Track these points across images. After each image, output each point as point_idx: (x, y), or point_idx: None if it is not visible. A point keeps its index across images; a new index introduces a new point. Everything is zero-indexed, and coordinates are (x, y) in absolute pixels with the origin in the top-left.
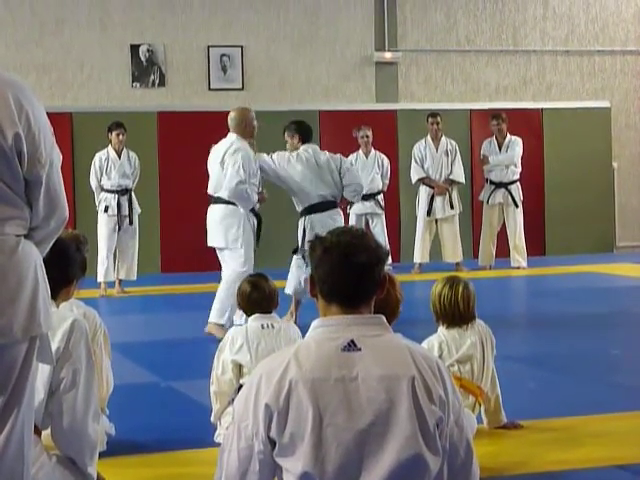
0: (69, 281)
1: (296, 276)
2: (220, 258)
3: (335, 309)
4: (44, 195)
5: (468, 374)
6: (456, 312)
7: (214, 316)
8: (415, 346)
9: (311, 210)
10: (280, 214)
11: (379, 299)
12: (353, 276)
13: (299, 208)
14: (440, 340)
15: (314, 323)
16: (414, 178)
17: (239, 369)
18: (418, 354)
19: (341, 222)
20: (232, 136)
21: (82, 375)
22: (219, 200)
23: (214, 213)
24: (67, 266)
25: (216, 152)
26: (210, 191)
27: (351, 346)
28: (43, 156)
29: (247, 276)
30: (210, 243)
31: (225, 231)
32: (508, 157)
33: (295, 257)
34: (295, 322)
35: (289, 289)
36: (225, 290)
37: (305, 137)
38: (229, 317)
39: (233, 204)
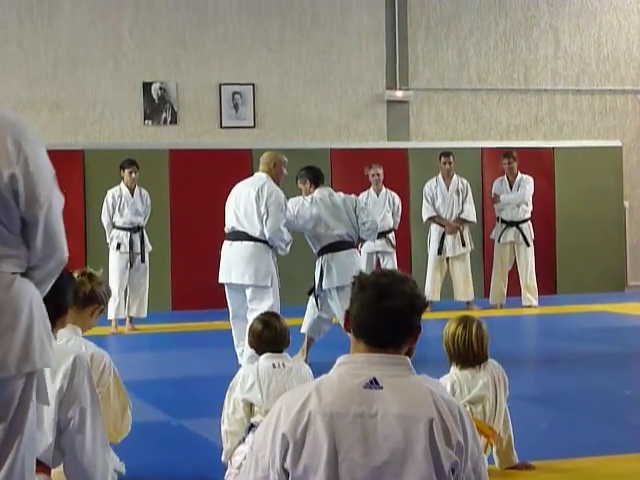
0: (63, 311)
1: (311, 315)
2: (232, 297)
3: (362, 346)
4: (42, 236)
5: (480, 415)
6: (470, 352)
7: (248, 360)
8: (438, 389)
9: (329, 249)
10: (298, 251)
11: None
12: (383, 318)
13: (316, 249)
14: (453, 380)
15: (339, 359)
16: (425, 217)
17: (250, 408)
18: (440, 397)
19: (359, 261)
20: (262, 175)
21: (89, 413)
22: (246, 236)
23: (240, 249)
24: (60, 296)
25: (245, 188)
26: (236, 227)
27: (373, 384)
28: (41, 197)
29: (259, 315)
30: (233, 280)
31: (256, 268)
32: (519, 196)
33: (311, 297)
34: (306, 361)
35: (304, 328)
36: None
37: (316, 181)
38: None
39: (262, 242)
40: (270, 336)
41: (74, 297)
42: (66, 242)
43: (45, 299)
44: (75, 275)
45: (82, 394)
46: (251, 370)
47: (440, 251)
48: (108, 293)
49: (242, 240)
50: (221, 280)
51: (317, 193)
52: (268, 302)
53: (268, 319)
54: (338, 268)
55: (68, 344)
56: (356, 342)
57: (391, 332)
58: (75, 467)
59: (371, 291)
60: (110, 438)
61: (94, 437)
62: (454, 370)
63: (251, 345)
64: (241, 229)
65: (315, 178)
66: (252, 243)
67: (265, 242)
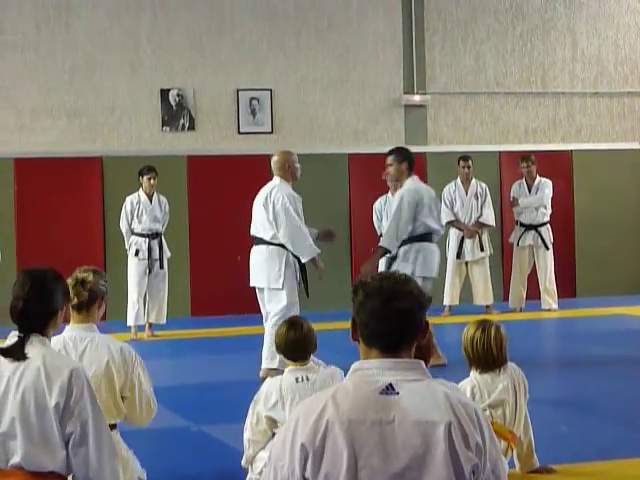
0: (53, 312)
1: None
2: (260, 300)
3: (375, 353)
4: None
5: (500, 419)
6: (489, 356)
7: (265, 362)
8: (453, 392)
9: (420, 239)
10: (330, 255)
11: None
12: (394, 322)
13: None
14: (472, 385)
15: (353, 366)
16: (443, 221)
17: (273, 422)
18: (456, 400)
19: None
20: (275, 179)
21: (91, 424)
22: (262, 241)
23: (257, 254)
24: (48, 296)
25: (261, 194)
26: (253, 232)
27: (389, 390)
28: None
29: (285, 319)
30: (252, 283)
31: (268, 271)
32: (538, 199)
33: None
34: None
35: None
36: (270, 332)
37: (412, 169)
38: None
39: (276, 245)
40: (295, 337)
41: (66, 297)
42: None
43: (32, 299)
44: (68, 282)
45: (82, 407)
46: (274, 387)
47: (459, 255)
48: (105, 281)
49: (259, 244)
50: (250, 283)
51: (412, 182)
52: (281, 304)
53: (293, 320)
54: (428, 258)
55: (96, 340)
56: (367, 350)
57: (402, 333)
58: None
59: (377, 297)
60: (140, 422)
61: (99, 448)
62: (474, 374)
63: (278, 349)
64: (258, 234)
65: (413, 165)
66: (265, 247)
67: (278, 245)
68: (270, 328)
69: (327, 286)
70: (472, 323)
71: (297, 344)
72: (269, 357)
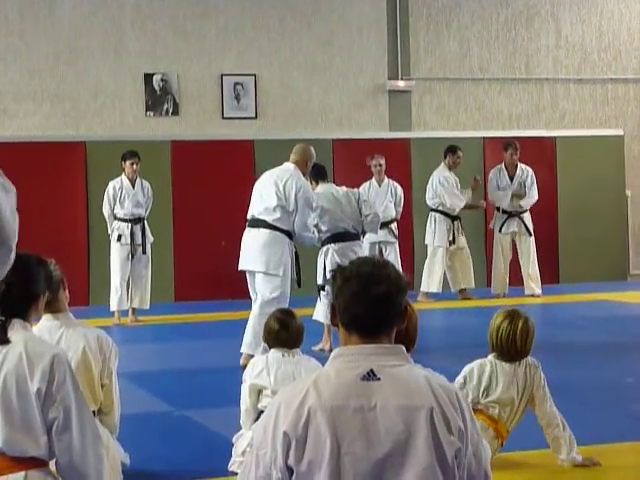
0: (35, 297)
1: (326, 304)
2: (251, 285)
3: (355, 338)
4: None
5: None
6: (512, 347)
7: (247, 347)
8: (434, 376)
9: (332, 240)
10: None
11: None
12: (373, 306)
13: (320, 240)
14: (483, 364)
15: (334, 352)
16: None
17: (257, 395)
18: (437, 385)
19: (361, 253)
20: (290, 166)
21: (74, 410)
22: (264, 224)
23: (257, 236)
24: (30, 282)
25: (271, 177)
26: (255, 214)
27: (370, 375)
28: None
29: (275, 312)
30: (245, 266)
31: (268, 256)
32: (533, 196)
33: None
34: (330, 349)
35: (319, 316)
36: (257, 317)
37: (317, 178)
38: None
39: (279, 230)
40: (286, 337)
41: (49, 283)
42: (15, 232)
43: (13, 284)
44: None
45: (65, 393)
46: (260, 359)
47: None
48: (55, 266)
49: (260, 227)
50: (239, 267)
51: (320, 189)
52: (275, 292)
53: (285, 319)
54: (341, 258)
55: (71, 328)
56: (347, 335)
57: (381, 318)
58: (65, 466)
59: (356, 281)
60: (111, 415)
61: (82, 433)
62: (492, 358)
63: (265, 341)
64: (261, 217)
65: (317, 176)
66: (268, 231)
67: (283, 231)
68: (257, 314)
69: (313, 271)
70: (501, 312)
71: (286, 343)
72: (252, 343)
